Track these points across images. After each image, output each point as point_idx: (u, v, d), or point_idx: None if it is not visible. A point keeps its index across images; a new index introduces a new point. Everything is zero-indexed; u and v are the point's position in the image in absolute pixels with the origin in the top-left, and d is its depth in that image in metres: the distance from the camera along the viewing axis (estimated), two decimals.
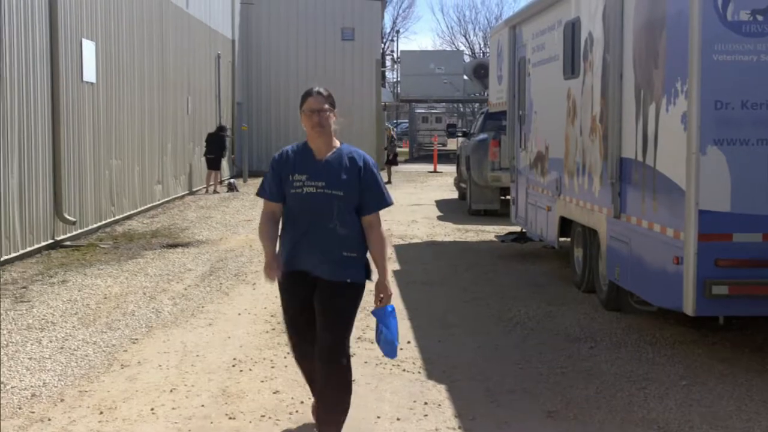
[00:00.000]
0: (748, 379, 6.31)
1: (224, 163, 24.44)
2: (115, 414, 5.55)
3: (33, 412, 5.60)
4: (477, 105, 46.96)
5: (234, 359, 6.80)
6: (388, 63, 51.63)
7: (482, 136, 17.48)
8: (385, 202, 4.93)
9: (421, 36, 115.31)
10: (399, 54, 47.96)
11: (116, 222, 15.39)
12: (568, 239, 10.06)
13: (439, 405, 5.76)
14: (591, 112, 8.65)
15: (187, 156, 21.58)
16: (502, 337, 7.59)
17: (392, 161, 27.55)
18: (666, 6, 6.81)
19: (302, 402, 5.72)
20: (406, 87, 43.56)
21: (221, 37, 26.03)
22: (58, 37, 12.57)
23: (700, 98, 6.25)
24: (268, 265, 4.86)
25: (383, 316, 4.88)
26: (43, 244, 12.17)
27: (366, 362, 6.69)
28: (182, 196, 20.80)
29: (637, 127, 7.35)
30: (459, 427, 5.36)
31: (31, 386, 6.12)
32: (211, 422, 5.42)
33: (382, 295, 4.83)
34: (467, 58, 55.71)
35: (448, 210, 18.77)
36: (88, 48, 13.97)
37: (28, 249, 11.64)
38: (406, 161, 39.68)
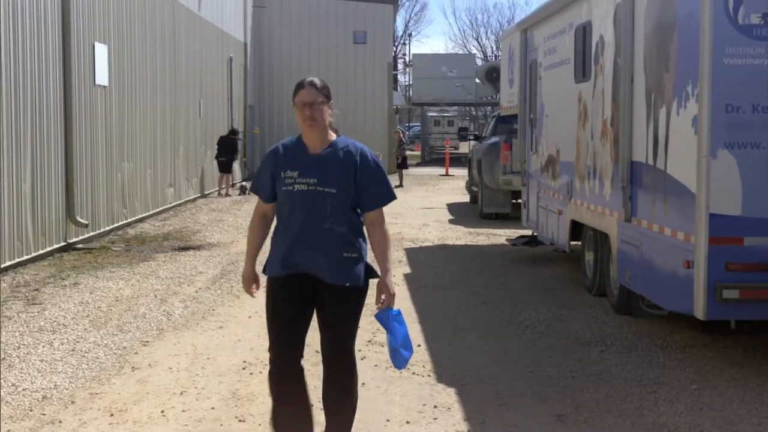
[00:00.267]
0: (760, 383, 6.29)
1: (236, 166, 24.50)
2: (126, 416, 5.58)
3: (44, 414, 5.63)
4: (489, 108, 46.93)
5: (244, 362, 6.81)
6: (400, 66, 51.73)
7: (494, 139, 17.48)
8: (386, 198, 4.57)
9: (433, 39, 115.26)
10: (411, 57, 47.97)
11: (128, 225, 15.45)
12: (579, 243, 10.04)
13: (449, 408, 5.76)
14: (602, 115, 8.63)
15: (199, 159, 21.64)
16: (512, 341, 7.59)
17: (402, 164, 27.55)
18: (677, 9, 6.80)
19: (312, 405, 5.72)
20: (418, 90, 43.57)
21: (233, 40, 26.10)
22: (71, 40, 12.64)
23: (711, 101, 6.23)
24: (245, 278, 4.69)
25: (386, 320, 4.50)
26: (56, 246, 12.23)
27: (376, 365, 6.69)
28: (194, 199, 20.86)
29: (647, 131, 7.34)
30: (468, 431, 5.36)
31: (42, 388, 6.15)
32: (221, 425, 5.43)
33: (383, 296, 4.48)
34: (479, 62, 55.67)
35: (459, 213, 18.77)
36: (101, 51, 14.04)
37: (41, 251, 11.70)
38: (418, 164, 39.69)
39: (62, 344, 7.36)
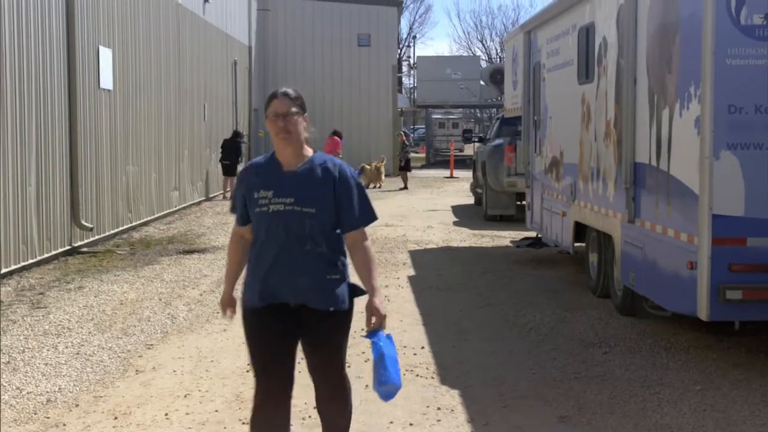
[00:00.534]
0: (763, 385, 6.28)
1: (240, 170, 24.47)
2: (130, 419, 5.59)
3: (48, 418, 5.65)
4: (494, 110, 46.91)
5: (248, 365, 6.79)
6: (404, 69, 51.66)
7: (498, 141, 17.47)
8: (365, 218, 4.22)
9: (437, 41, 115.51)
10: (415, 59, 47.92)
11: (133, 228, 15.47)
12: (583, 244, 10.04)
13: (452, 410, 5.76)
14: (605, 116, 8.64)
15: (204, 162, 21.67)
16: (516, 343, 7.59)
17: (405, 167, 27.51)
18: (679, 10, 6.80)
19: (315, 407, 5.72)
20: (422, 92, 43.55)
21: (238, 43, 26.14)
22: (75, 44, 12.67)
23: (714, 102, 6.23)
24: (222, 302, 4.41)
25: (376, 346, 4.15)
26: (61, 250, 12.25)
27: None
28: (199, 203, 20.89)
29: (650, 132, 7.34)
30: None
31: (47, 391, 6.17)
32: (225, 427, 5.44)
33: (373, 318, 4.15)
34: (484, 64, 55.61)
35: (464, 215, 18.77)
36: (105, 55, 14.07)
37: (46, 255, 11.72)
38: (422, 167, 39.71)
39: (67, 348, 7.38)
